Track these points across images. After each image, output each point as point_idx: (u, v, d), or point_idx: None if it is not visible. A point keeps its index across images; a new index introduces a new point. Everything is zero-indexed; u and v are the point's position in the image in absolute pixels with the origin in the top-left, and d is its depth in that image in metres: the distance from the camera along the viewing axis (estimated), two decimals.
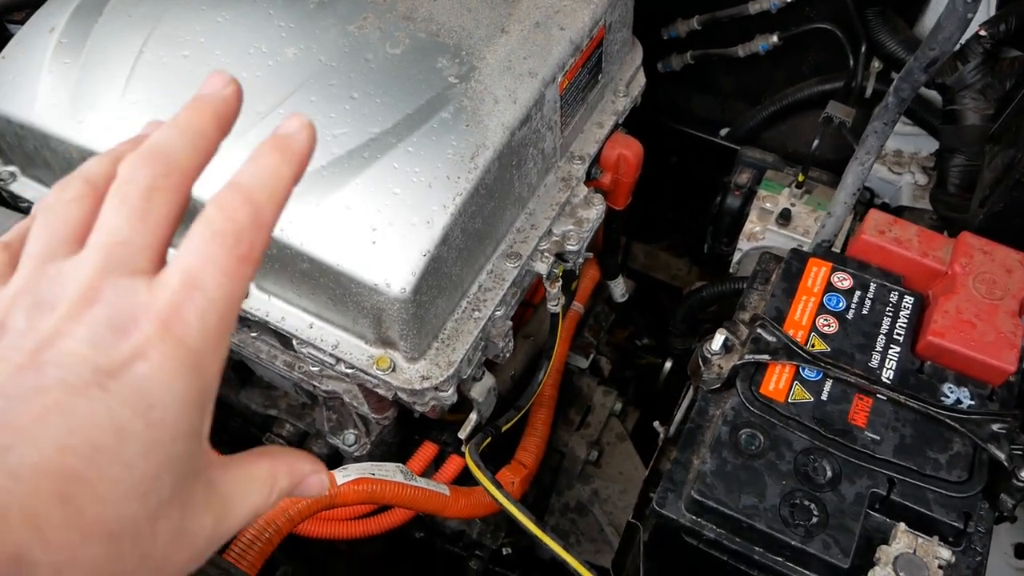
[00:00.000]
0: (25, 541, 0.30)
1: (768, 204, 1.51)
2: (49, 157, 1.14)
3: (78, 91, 1.11)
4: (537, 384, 1.25)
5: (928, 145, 1.67)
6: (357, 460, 1.40)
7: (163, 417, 0.34)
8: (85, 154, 1.08)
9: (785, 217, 1.46)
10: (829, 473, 0.89)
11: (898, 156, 1.69)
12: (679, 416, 1.21)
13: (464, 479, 1.41)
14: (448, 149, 1.01)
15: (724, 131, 1.80)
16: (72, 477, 0.31)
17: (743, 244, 1.53)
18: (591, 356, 1.73)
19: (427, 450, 1.42)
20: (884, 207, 1.66)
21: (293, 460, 0.44)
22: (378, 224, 0.97)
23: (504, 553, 1.63)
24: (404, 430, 1.54)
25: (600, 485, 1.68)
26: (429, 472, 1.44)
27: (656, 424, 1.28)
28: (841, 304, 1.03)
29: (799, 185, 1.50)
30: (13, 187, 1.23)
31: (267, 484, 0.42)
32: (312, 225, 0.98)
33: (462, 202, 0.99)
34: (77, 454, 0.32)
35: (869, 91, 1.56)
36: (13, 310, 0.36)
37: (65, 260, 0.37)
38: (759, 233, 1.51)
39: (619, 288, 1.71)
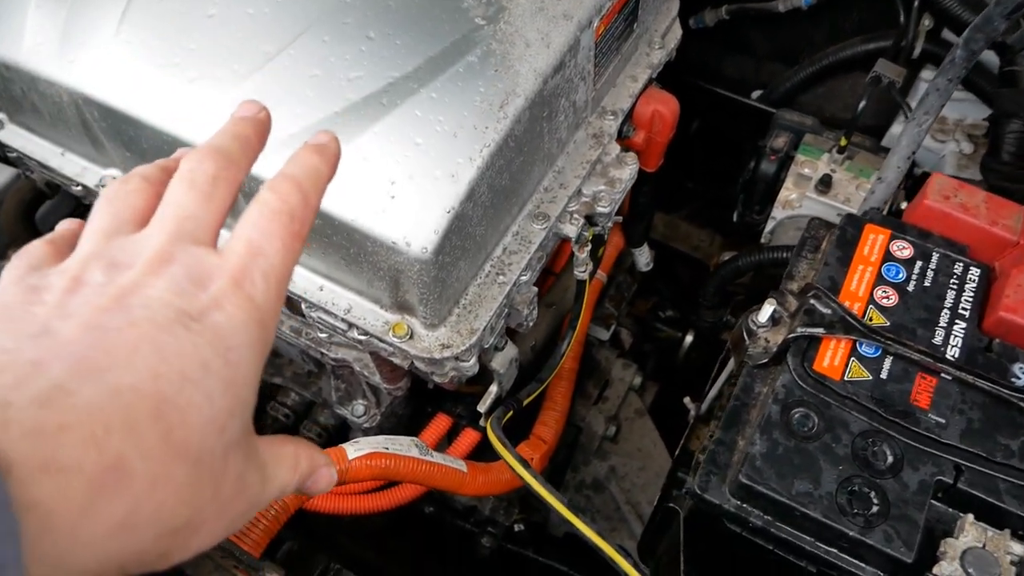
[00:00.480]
0: (127, 450, 0.32)
1: (806, 170, 1.41)
2: (38, 101, 1.05)
3: (68, 29, 1.01)
4: (560, 355, 1.17)
5: (975, 111, 1.57)
6: (366, 432, 1.32)
7: (239, 360, 0.38)
8: (76, 97, 0.99)
9: (825, 183, 1.37)
10: (890, 458, 0.81)
11: (942, 123, 1.59)
12: (713, 392, 1.13)
13: (478, 454, 1.34)
14: (475, 96, 0.92)
15: (756, 93, 1.70)
16: (164, 400, 0.34)
17: (777, 212, 1.44)
18: (612, 328, 1.65)
19: (440, 423, 1.35)
20: (926, 177, 1.57)
21: (313, 450, 0.47)
22: (397, 177, 0.88)
23: (516, 530, 1.57)
24: (416, 401, 1.46)
25: (617, 462, 1.61)
26: (442, 446, 1.37)
27: (686, 400, 1.20)
28: (901, 275, 0.94)
29: (841, 150, 1.40)
30: (0, 135, 1.14)
31: (293, 465, 0.45)
32: None
33: (490, 155, 0.90)
34: (169, 380, 0.35)
35: (917, 51, 1.46)
36: (88, 268, 0.39)
37: (131, 235, 0.42)
38: (795, 200, 1.42)
39: (644, 256, 1.62)
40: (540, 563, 1.53)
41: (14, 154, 1.15)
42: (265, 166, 0.90)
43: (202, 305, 0.38)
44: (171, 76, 0.95)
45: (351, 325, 0.99)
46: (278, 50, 0.95)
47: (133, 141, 0.99)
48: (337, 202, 0.88)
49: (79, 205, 1.66)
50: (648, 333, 1.87)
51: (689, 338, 1.78)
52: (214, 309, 0.38)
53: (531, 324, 1.11)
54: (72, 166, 1.11)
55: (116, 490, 0.32)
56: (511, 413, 1.09)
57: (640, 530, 1.54)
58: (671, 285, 1.89)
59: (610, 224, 1.15)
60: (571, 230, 1.07)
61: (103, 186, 1.07)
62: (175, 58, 0.95)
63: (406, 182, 0.88)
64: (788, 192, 1.42)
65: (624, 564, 0.86)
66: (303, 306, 1.01)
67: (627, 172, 1.12)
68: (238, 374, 0.38)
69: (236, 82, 0.93)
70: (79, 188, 1.12)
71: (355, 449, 1.02)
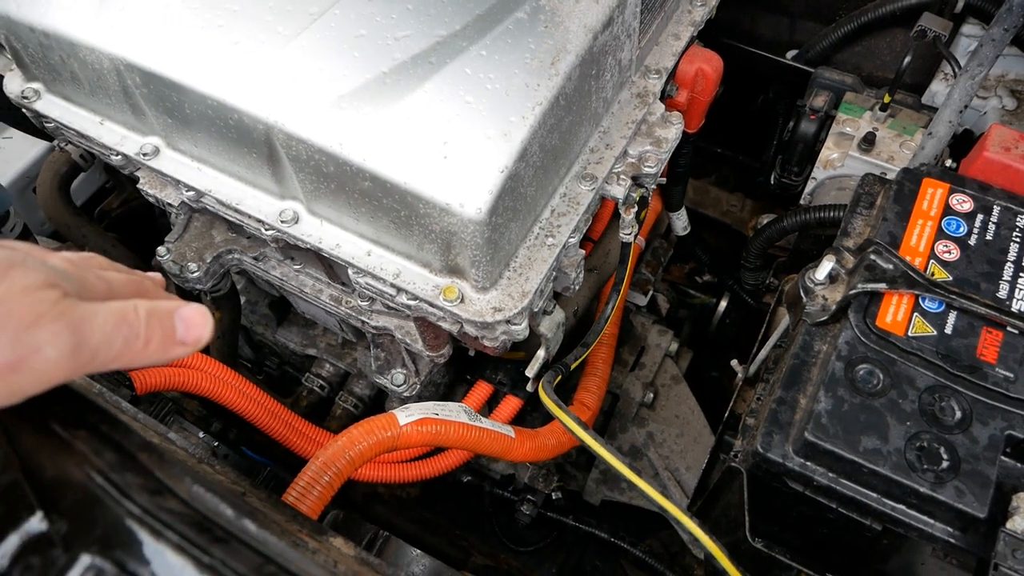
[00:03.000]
0: None
1: (848, 128, 1.39)
2: (77, 68, 1.04)
3: None
4: (606, 318, 1.16)
5: (1017, 66, 1.53)
6: (404, 402, 1.32)
7: None
8: (117, 62, 0.97)
9: (869, 142, 1.35)
10: (959, 414, 0.80)
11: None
12: (762, 355, 1.12)
13: (517, 422, 1.33)
14: (526, 53, 0.90)
15: (791, 54, 1.66)
16: None
17: (818, 172, 1.41)
18: (649, 293, 1.63)
19: (481, 390, 1.35)
20: (967, 135, 1.54)
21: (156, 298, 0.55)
22: (449, 137, 0.87)
23: (555, 498, 1.57)
24: (454, 369, 1.46)
25: (655, 428, 1.60)
26: (483, 414, 1.36)
27: (734, 363, 1.19)
28: (962, 229, 0.92)
29: (884, 107, 1.38)
30: (38, 105, 1.13)
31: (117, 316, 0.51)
32: (374, 139, 0.88)
33: (542, 113, 0.88)
34: None
35: (960, 5, 1.42)
36: None
37: None
38: (836, 160, 1.39)
39: (682, 220, 1.60)
40: (581, 530, 1.53)
41: (51, 124, 1.14)
42: (314, 128, 0.89)
43: None
44: (214, 39, 0.93)
45: (400, 290, 0.98)
46: (323, 10, 0.93)
47: (176, 107, 0.98)
48: (388, 163, 0.87)
49: (114, 176, 1.66)
50: (682, 299, 1.85)
51: (724, 303, 1.76)
52: None
53: (577, 288, 1.09)
54: (111, 135, 1.10)
55: None
56: (560, 377, 1.08)
57: (679, 495, 1.54)
58: (706, 251, 1.87)
59: (654, 185, 1.14)
60: (619, 191, 1.05)
61: (145, 154, 1.06)
62: (218, 20, 0.94)
63: (458, 142, 0.87)
64: (829, 151, 1.39)
65: (687, 520, 0.86)
66: (350, 272, 1.00)
67: (672, 132, 1.10)
68: None
69: (281, 44, 0.92)
70: (118, 157, 1.11)
71: (406, 415, 1.01)
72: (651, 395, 1.60)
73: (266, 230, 1.03)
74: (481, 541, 1.72)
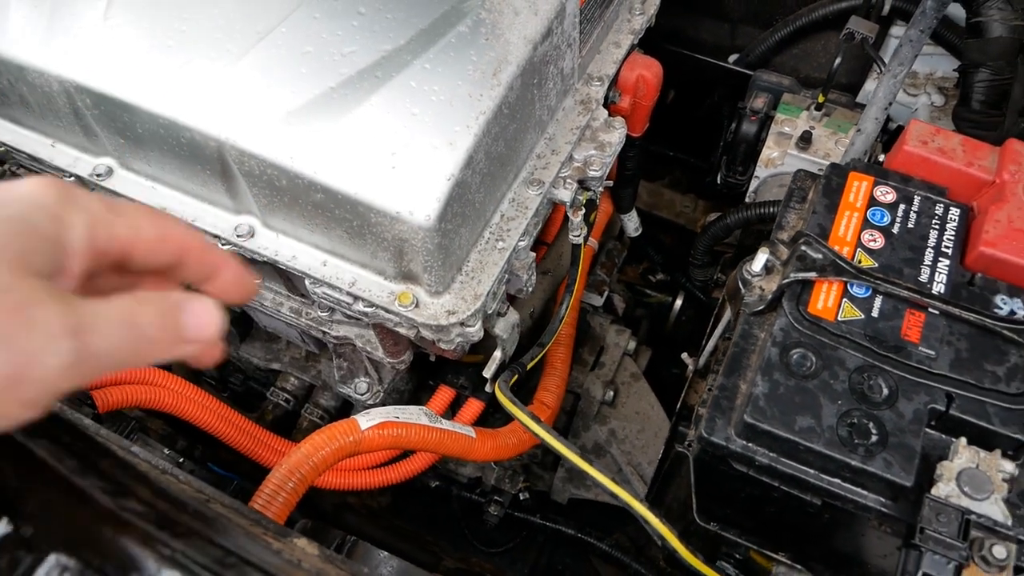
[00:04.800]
0: None
1: (787, 128, 1.45)
2: (26, 92, 1.05)
3: (54, 17, 1.01)
4: (560, 318, 1.20)
5: (944, 65, 1.61)
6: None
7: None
8: (67, 85, 0.99)
9: (806, 140, 1.41)
10: (886, 391, 0.85)
11: (913, 77, 1.63)
12: (710, 346, 1.16)
13: (481, 424, 1.36)
14: (468, 65, 0.94)
15: (733, 58, 1.73)
16: None
17: (760, 171, 1.47)
18: (604, 294, 1.68)
19: (444, 394, 1.37)
20: (900, 131, 1.61)
21: (164, 292, 0.50)
22: (397, 148, 0.90)
23: (522, 498, 1.60)
24: (417, 376, 1.48)
25: (617, 425, 1.64)
26: (446, 418, 1.39)
27: (684, 356, 1.23)
28: (886, 218, 0.98)
29: (818, 107, 1.44)
30: None
31: (127, 315, 0.47)
32: (324, 152, 0.91)
33: (485, 121, 0.92)
34: None
35: (887, 8, 1.50)
36: None
37: None
38: (777, 159, 1.45)
39: (633, 222, 1.65)
40: (549, 528, 1.56)
41: (2, 148, 1.15)
42: (265, 144, 0.91)
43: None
44: (164, 59, 0.96)
45: (356, 298, 1.01)
46: (270, 28, 0.96)
47: (128, 127, 1.00)
48: (339, 175, 0.90)
49: None
50: (639, 298, 1.90)
51: (679, 301, 1.82)
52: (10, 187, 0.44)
53: (530, 290, 1.13)
54: (64, 157, 1.11)
55: None
56: (517, 376, 1.11)
57: (644, 490, 1.58)
58: (659, 251, 1.92)
59: (601, 188, 1.18)
60: (565, 194, 1.09)
61: (98, 175, 1.08)
62: (167, 40, 0.96)
63: (406, 152, 0.90)
64: (770, 151, 1.45)
65: (641, 508, 0.90)
66: (307, 282, 1.03)
67: (616, 136, 1.15)
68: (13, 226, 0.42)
69: (230, 62, 0.94)
70: (72, 179, 1.12)
71: (367, 420, 1.04)
72: (612, 393, 1.64)
73: (222, 245, 1.05)
74: (452, 545, 1.75)
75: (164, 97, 0.95)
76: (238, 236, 1.03)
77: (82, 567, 0.47)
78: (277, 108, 0.93)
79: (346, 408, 1.63)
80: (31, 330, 0.40)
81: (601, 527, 1.64)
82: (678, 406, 1.20)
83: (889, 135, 1.54)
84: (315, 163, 0.91)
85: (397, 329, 1.03)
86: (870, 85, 1.64)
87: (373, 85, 0.93)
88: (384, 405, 1.41)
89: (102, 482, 0.56)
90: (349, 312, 1.05)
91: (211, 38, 0.96)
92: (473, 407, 1.35)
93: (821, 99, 1.42)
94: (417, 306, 0.98)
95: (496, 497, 1.55)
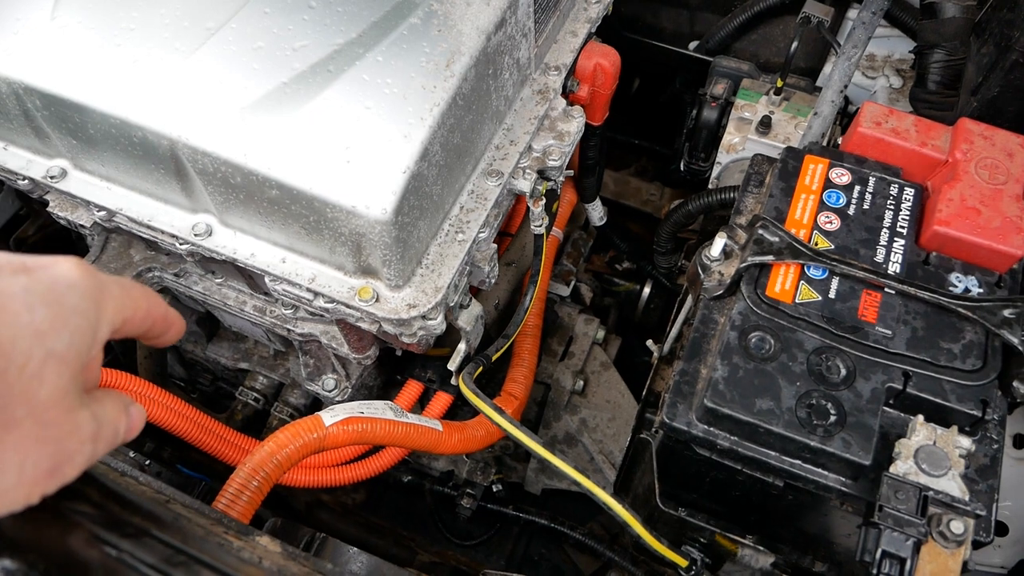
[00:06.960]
0: None
1: (747, 113, 1.46)
2: None
3: (0, 17, 0.99)
4: (525, 309, 1.20)
5: (901, 47, 1.63)
6: None
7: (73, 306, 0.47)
8: (15, 87, 0.97)
9: (765, 125, 1.42)
10: (843, 371, 0.86)
11: (871, 60, 1.65)
12: (674, 332, 1.17)
13: (451, 418, 1.36)
14: (421, 57, 0.93)
15: (693, 44, 1.74)
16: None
17: (722, 157, 1.48)
18: (571, 284, 1.68)
19: (411, 389, 1.37)
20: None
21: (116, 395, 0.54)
22: (351, 142, 0.89)
23: (495, 490, 1.60)
24: (385, 372, 1.48)
25: (588, 414, 1.65)
26: (415, 412, 1.39)
27: (649, 343, 1.24)
28: (841, 200, 0.99)
29: (777, 91, 1.45)
30: None
31: (120, 406, 0.54)
32: (278, 148, 0.90)
33: (440, 113, 0.91)
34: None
35: None
36: None
37: None
38: (738, 144, 1.46)
39: (597, 211, 1.65)
40: (522, 519, 1.57)
41: None
42: (218, 141, 0.90)
43: (37, 263, 0.46)
44: (113, 58, 0.94)
45: (316, 294, 1.00)
46: (219, 25, 0.95)
47: (79, 128, 0.98)
48: (293, 171, 0.89)
49: (27, 203, 1.63)
50: (607, 287, 1.91)
51: (648, 289, 1.82)
52: (49, 265, 0.46)
53: (493, 281, 1.13)
54: (16, 160, 1.09)
55: None
56: (481, 368, 1.11)
57: (614, 477, 1.59)
58: (625, 239, 1.93)
59: (562, 178, 1.18)
60: (525, 185, 1.09)
61: (52, 177, 1.06)
62: (115, 39, 0.94)
63: (360, 146, 0.89)
64: (731, 136, 1.46)
65: (602, 495, 0.90)
66: (267, 280, 1.02)
67: (574, 125, 1.15)
68: (70, 320, 0.45)
69: (181, 60, 0.93)
70: (25, 182, 1.10)
71: (330, 416, 1.03)
72: (581, 383, 1.65)
73: (180, 244, 1.03)
74: (427, 539, 1.75)
75: (114, 96, 0.93)
76: (196, 235, 1.02)
77: (27, 569, 0.47)
78: (230, 105, 0.92)
79: (316, 406, 1.62)
80: (72, 434, 0.46)
81: (575, 516, 1.65)
82: (644, 393, 1.20)
83: (849, 118, 1.55)
84: (269, 159, 0.90)
85: (359, 324, 1.03)
86: (828, 68, 1.65)
87: (326, 79, 0.92)
88: (353, 401, 1.41)
89: None
90: (311, 308, 1.04)
91: (160, 36, 0.94)
92: (441, 400, 1.34)
93: (780, 84, 1.43)
94: (377, 300, 0.97)
95: (468, 490, 1.55)
